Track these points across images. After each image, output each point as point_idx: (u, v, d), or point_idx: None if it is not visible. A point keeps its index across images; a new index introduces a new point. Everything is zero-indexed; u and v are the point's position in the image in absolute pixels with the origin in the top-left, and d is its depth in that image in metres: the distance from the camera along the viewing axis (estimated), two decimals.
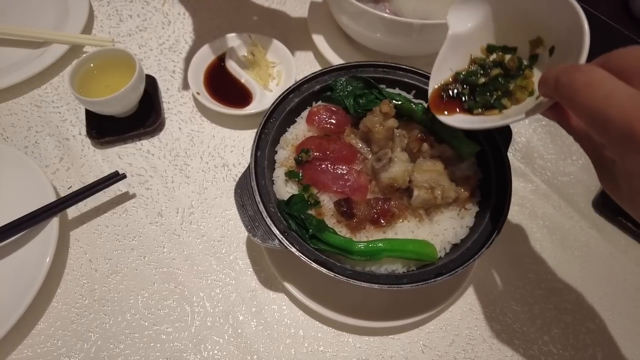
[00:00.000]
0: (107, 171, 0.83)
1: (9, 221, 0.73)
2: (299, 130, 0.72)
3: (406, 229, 0.64)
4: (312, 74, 0.74)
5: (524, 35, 0.59)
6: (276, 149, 0.71)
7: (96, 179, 0.80)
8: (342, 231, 0.63)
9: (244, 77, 0.94)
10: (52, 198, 0.76)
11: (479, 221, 0.65)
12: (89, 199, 0.80)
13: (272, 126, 0.70)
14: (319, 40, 0.99)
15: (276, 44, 0.97)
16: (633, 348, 0.71)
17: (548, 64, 0.57)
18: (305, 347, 0.70)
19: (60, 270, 0.76)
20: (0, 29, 0.99)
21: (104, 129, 0.88)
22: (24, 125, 0.91)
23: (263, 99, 0.91)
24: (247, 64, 0.97)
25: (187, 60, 0.98)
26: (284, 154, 0.70)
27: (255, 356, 0.69)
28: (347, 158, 0.68)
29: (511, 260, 0.78)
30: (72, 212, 0.81)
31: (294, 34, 1.04)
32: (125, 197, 0.83)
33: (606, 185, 0.46)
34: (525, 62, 0.60)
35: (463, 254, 0.62)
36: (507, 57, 0.61)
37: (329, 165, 0.66)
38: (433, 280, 0.59)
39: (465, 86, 0.62)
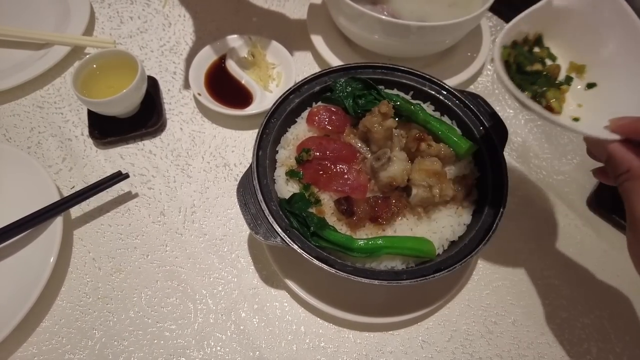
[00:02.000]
0: (109, 171, 0.84)
1: (13, 220, 0.74)
2: (300, 131, 0.73)
3: (405, 227, 0.66)
4: (312, 75, 0.75)
5: (572, 53, 0.57)
6: (277, 149, 0.72)
7: (98, 179, 0.81)
8: (343, 229, 0.65)
9: (244, 78, 0.95)
10: (56, 198, 0.77)
11: (476, 219, 0.67)
12: (92, 199, 0.80)
13: (274, 126, 0.71)
14: (317, 41, 1.00)
15: (276, 45, 0.98)
16: (626, 343, 0.73)
17: (582, 96, 0.56)
18: (306, 343, 0.71)
19: (64, 269, 0.77)
20: (2, 30, 0.99)
21: (106, 129, 0.89)
22: (27, 126, 0.92)
23: (263, 100, 0.93)
24: (247, 65, 0.98)
25: (188, 61, 0.99)
26: (285, 154, 0.71)
27: (258, 352, 0.70)
28: (347, 157, 0.69)
29: (507, 257, 0.80)
30: (76, 211, 0.82)
31: (293, 36, 1.05)
32: (128, 196, 0.84)
33: None
34: (561, 78, 0.58)
35: (461, 250, 0.63)
36: (548, 61, 0.59)
37: (329, 165, 0.68)
38: (432, 276, 0.60)
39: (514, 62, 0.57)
